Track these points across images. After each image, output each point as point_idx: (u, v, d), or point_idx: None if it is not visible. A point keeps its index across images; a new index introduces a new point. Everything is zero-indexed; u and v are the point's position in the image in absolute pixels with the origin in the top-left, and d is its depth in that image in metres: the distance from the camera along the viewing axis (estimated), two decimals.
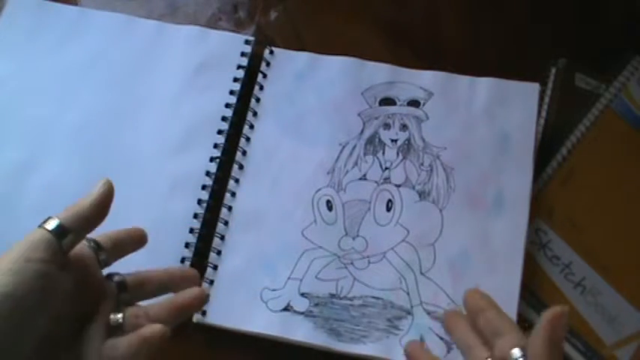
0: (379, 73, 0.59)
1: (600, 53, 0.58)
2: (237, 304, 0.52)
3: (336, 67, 0.59)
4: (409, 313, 0.51)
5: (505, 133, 0.55)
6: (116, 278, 0.37)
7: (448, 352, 0.49)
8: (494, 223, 0.52)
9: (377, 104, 0.58)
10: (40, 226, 0.34)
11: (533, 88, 0.56)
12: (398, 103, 0.58)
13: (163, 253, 0.53)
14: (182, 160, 0.57)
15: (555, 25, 0.51)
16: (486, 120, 0.56)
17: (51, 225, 0.33)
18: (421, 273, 0.52)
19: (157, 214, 0.55)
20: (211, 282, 0.53)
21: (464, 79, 0.58)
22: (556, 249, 0.52)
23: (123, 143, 0.58)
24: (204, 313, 0.52)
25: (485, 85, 0.57)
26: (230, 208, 0.55)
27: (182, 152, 0.57)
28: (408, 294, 0.51)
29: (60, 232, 0.33)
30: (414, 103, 0.57)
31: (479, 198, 0.53)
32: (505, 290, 0.50)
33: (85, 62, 0.61)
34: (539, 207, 0.53)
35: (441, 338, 0.50)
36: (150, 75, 0.60)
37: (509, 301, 0.50)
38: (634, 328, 0.50)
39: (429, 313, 0.51)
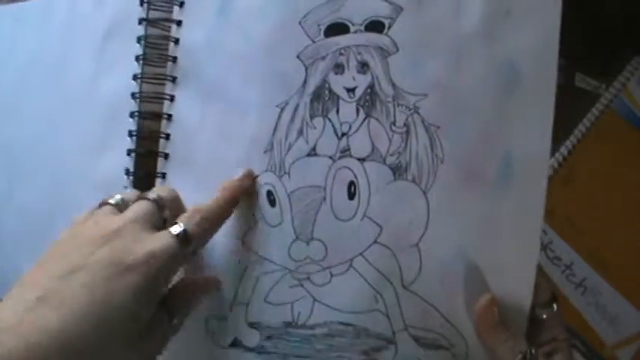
0: None
1: (600, 53, 0.56)
2: (183, 338, 0.41)
3: None
4: (391, 342, 0.37)
5: (513, 63, 0.35)
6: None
7: None
8: (500, 205, 0.35)
9: (322, 35, 0.39)
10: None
11: None
12: (352, 29, 0.38)
13: None
14: (101, 157, 0.45)
15: None
16: (485, 43, 0.36)
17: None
18: (403, 286, 0.37)
19: None
20: None
21: None
22: (557, 250, 0.51)
23: (48, 144, 0.48)
24: None
25: None
26: None
27: (100, 146, 0.45)
28: (387, 316, 0.37)
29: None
30: (376, 25, 0.38)
31: (478, 169, 0.36)
32: (516, 296, 0.35)
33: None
34: None
35: None
36: (62, 61, 0.48)
37: (519, 310, 0.34)
38: (635, 328, 0.50)
39: (417, 339, 0.36)
